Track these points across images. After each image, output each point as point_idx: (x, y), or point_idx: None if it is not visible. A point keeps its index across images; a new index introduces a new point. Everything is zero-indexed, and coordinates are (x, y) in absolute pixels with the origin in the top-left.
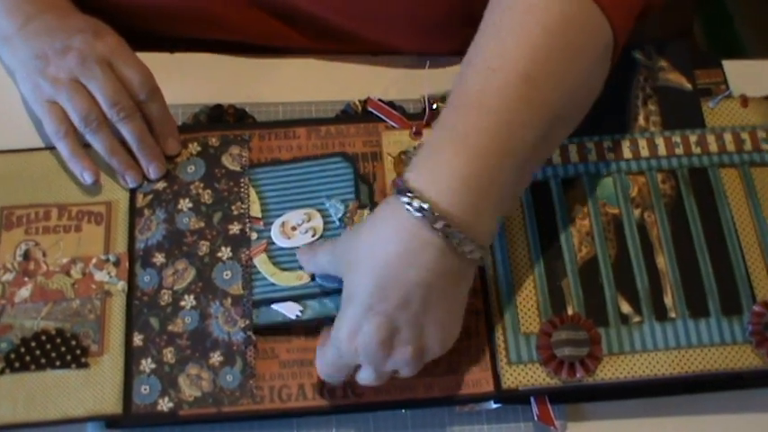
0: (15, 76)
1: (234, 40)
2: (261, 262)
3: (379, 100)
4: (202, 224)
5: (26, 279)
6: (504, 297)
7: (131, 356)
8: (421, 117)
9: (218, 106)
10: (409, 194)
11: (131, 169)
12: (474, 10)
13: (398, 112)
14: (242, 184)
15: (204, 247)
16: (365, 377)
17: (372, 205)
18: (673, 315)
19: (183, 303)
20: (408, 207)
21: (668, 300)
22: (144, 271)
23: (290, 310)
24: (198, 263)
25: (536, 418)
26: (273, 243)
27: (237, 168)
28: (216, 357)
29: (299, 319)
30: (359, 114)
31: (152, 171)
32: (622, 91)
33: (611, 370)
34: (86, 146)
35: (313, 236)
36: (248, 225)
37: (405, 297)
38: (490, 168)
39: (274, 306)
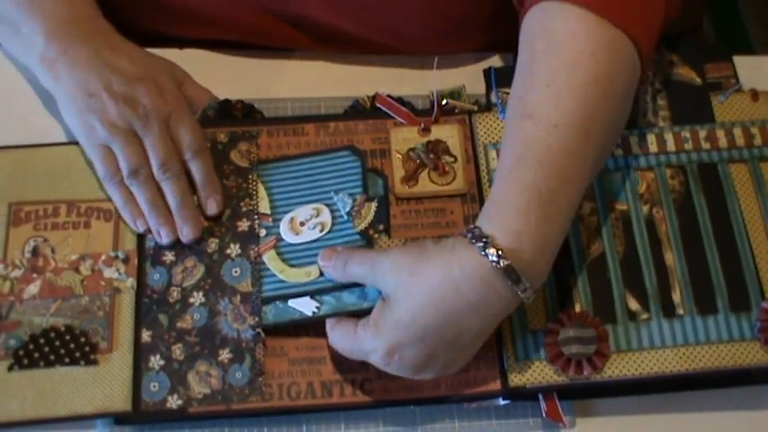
0: (58, 102)
1: (244, 41)
2: (270, 259)
3: (388, 96)
4: (211, 221)
5: (35, 275)
6: None
7: (140, 353)
8: (429, 113)
9: (226, 101)
10: (484, 240)
11: (167, 225)
12: (486, 15)
13: (407, 109)
14: (250, 181)
15: (213, 244)
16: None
17: (386, 197)
18: (681, 312)
19: (191, 300)
20: (483, 253)
21: (676, 296)
22: (153, 269)
23: (306, 307)
24: (207, 260)
25: (544, 414)
26: (282, 239)
27: (246, 165)
28: (225, 354)
29: (315, 315)
30: (367, 110)
31: (185, 232)
32: None
33: (619, 367)
34: None
35: (321, 231)
36: (257, 222)
37: (458, 337)
38: (557, 222)
39: (290, 302)
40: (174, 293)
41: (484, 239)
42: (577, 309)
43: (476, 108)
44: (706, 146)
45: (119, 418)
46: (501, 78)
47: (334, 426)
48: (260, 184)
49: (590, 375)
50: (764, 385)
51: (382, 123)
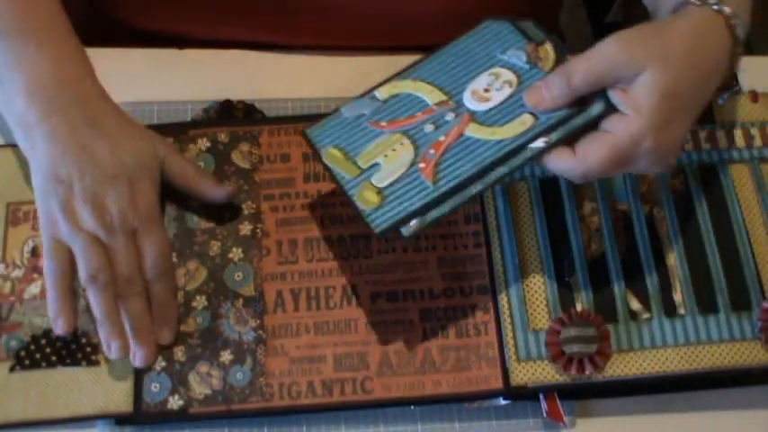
0: (31, 168)
1: (239, 39)
2: (474, 131)
3: None
4: (213, 223)
5: (35, 275)
6: (512, 294)
7: None
8: None
9: (228, 101)
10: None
11: (119, 339)
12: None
13: None
14: (252, 183)
15: (215, 246)
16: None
17: (548, 35)
18: (682, 311)
19: (194, 304)
20: (717, 8)
21: (677, 296)
22: None
23: (536, 143)
24: (209, 263)
25: (545, 414)
26: (476, 112)
27: (248, 166)
28: (226, 356)
29: (548, 144)
30: None
31: (138, 357)
32: None
33: (621, 367)
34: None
35: (511, 88)
36: (259, 227)
37: (704, 99)
38: None
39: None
40: (177, 296)
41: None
42: (579, 308)
43: None
44: (706, 146)
45: (120, 419)
46: None
47: (334, 426)
48: (420, 83)
49: (591, 374)
50: (765, 385)
51: None
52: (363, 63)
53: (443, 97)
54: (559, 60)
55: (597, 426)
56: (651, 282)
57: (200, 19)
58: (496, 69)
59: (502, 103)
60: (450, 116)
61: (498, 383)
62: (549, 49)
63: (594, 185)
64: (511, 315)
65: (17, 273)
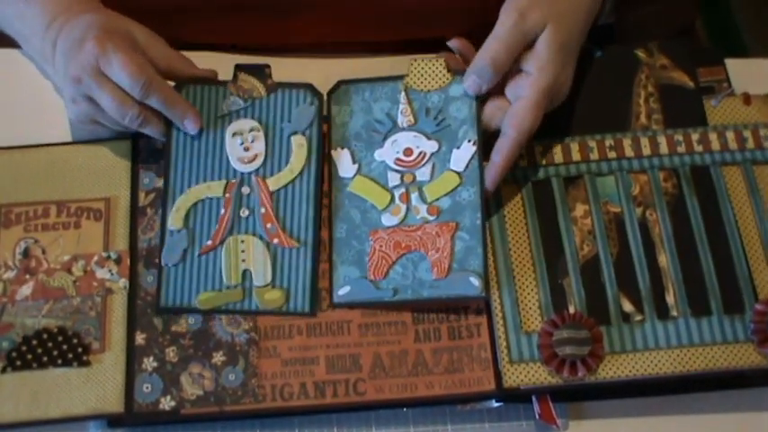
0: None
1: (229, 43)
2: (276, 183)
3: None
4: None
5: (27, 277)
6: (505, 296)
7: (133, 355)
8: None
9: None
10: None
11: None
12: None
13: None
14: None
15: None
16: None
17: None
18: (675, 313)
19: None
20: None
21: (670, 298)
22: (147, 271)
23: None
24: None
25: (538, 416)
26: (259, 170)
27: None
28: (219, 357)
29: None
30: None
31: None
32: (624, 89)
33: (613, 369)
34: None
35: (260, 131)
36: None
37: (583, 36)
38: None
39: None
40: None
41: None
42: (571, 310)
43: None
44: (699, 149)
45: (112, 420)
46: None
47: (327, 428)
48: (192, 190)
49: (584, 376)
50: (758, 387)
51: None
52: (356, 62)
53: (223, 183)
54: (263, 79)
55: (590, 428)
56: (644, 284)
57: (193, 23)
58: (233, 127)
59: (267, 147)
60: (245, 190)
61: (491, 385)
62: (244, 78)
63: (587, 188)
64: (503, 317)
65: (9, 274)
